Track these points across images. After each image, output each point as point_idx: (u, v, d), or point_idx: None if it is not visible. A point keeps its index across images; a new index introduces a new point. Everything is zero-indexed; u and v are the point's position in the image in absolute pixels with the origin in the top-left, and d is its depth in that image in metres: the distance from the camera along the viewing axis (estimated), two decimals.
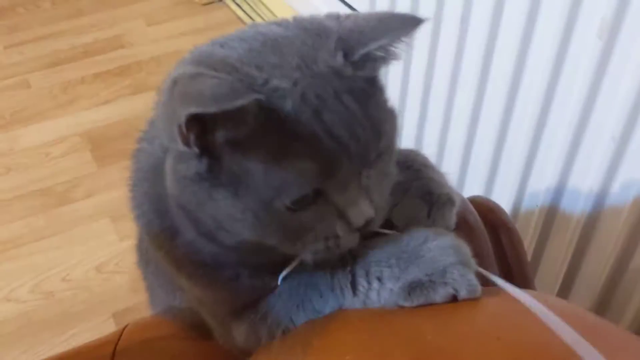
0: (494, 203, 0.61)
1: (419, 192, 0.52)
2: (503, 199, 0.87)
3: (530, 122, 0.79)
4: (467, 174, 0.96)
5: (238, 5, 2.07)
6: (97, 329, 1.17)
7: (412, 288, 0.44)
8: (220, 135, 0.39)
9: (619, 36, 0.66)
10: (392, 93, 1.03)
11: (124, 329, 0.63)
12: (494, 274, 0.47)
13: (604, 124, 0.70)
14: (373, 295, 0.46)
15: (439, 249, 0.45)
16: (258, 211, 0.41)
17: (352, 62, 0.41)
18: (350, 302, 0.47)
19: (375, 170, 0.44)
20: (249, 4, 2.04)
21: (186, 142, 0.40)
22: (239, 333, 0.52)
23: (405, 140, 1.06)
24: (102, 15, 2.05)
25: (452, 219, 0.52)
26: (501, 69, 0.81)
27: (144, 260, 0.68)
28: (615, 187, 0.72)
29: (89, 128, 1.63)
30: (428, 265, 0.44)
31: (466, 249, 0.46)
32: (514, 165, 0.84)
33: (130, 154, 0.54)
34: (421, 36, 0.94)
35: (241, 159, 0.40)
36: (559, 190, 0.79)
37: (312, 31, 0.43)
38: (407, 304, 0.45)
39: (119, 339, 0.60)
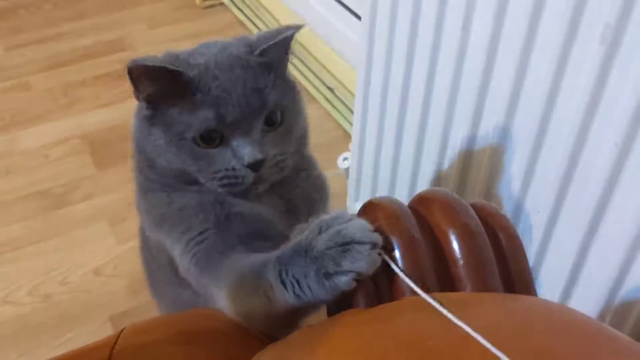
0: (495, 207, 0.60)
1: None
2: (504, 203, 0.87)
3: (532, 128, 0.79)
4: (467, 180, 0.95)
5: (239, 9, 2.07)
6: (95, 332, 1.17)
7: (322, 281, 0.48)
8: (149, 90, 0.61)
9: (622, 42, 0.65)
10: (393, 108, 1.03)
11: (120, 332, 0.63)
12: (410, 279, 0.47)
13: (606, 130, 0.70)
14: (298, 291, 0.50)
15: (328, 238, 0.48)
16: (177, 142, 0.61)
17: (256, 55, 0.63)
18: (288, 297, 0.51)
19: (274, 132, 0.64)
20: (250, 8, 2.04)
21: (137, 97, 0.64)
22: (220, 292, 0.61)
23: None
24: (103, 18, 2.06)
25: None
26: (502, 74, 0.81)
27: (146, 247, 0.84)
28: (617, 195, 0.72)
29: (89, 131, 1.63)
30: (323, 258, 0.48)
31: (355, 227, 0.47)
32: (515, 170, 0.84)
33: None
34: (422, 40, 0.94)
35: (166, 108, 0.62)
36: (560, 196, 0.79)
37: (240, 40, 0.66)
38: (326, 297, 0.49)
39: (115, 343, 0.60)
